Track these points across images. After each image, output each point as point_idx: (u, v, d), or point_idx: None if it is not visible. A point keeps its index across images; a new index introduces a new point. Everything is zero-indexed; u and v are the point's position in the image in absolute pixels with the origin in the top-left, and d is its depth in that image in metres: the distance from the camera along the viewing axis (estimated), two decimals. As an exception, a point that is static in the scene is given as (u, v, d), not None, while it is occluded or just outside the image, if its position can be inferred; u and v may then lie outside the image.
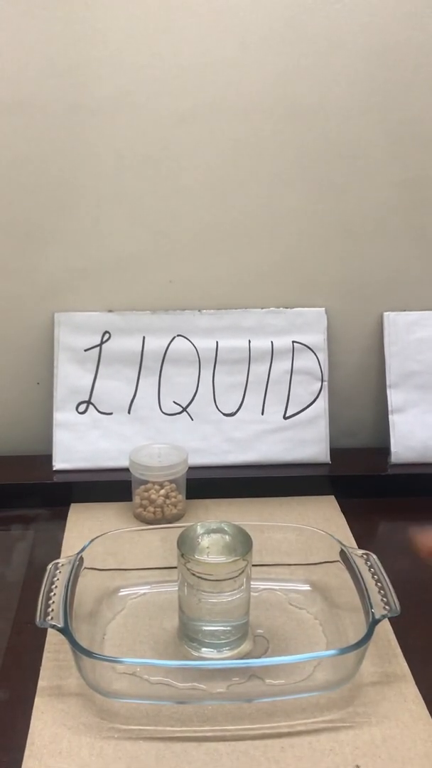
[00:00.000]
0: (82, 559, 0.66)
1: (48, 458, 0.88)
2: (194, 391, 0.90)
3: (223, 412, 0.90)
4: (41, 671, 0.61)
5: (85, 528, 0.80)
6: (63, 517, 0.82)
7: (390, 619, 0.62)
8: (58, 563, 0.65)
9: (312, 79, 0.82)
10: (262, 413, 0.90)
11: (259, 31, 0.80)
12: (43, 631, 0.63)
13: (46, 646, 0.63)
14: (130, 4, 0.78)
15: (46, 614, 0.59)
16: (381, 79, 0.83)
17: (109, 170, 0.84)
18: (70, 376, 0.89)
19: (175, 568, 0.63)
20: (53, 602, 0.60)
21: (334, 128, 0.84)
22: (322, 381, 0.91)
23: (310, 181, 0.86)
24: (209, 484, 0.86)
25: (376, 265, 0.91)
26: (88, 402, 0.89)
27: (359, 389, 0.95)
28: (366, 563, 0.65)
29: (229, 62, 0.81)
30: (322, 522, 0.80)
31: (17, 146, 0.83)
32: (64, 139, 0.83)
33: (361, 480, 0.88)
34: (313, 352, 0.90)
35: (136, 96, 0.81)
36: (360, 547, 0.73)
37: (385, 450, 0.91)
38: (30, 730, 0.55)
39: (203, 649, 0.62)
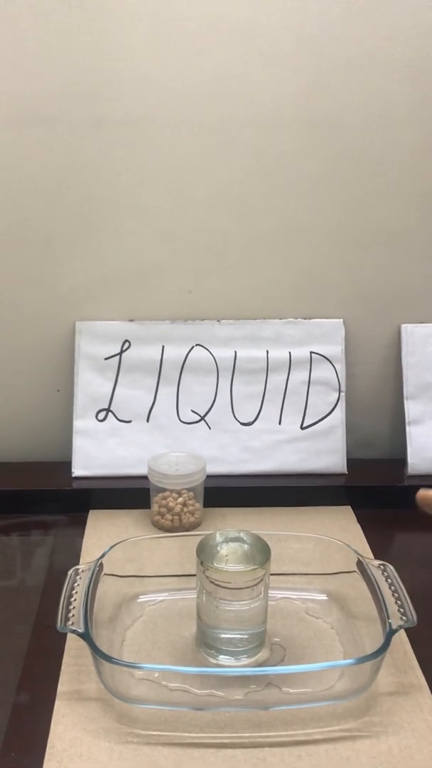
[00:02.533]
0: (102, 565, 0.67)
1: (67, 465, 0.89)
2: (212, 400, 0.91)
3: (241, 421, 0.91)
4: (61, 675, 0.61)
5: (104, 534, 0.81)
6: (82, 524, 0.83)
7: (406, 630, 0.63)
8: (78, 569, 0.66)
9: (331, 93, 0.83)
10: (280, 423, 0.91)
11: (278, 46, 0.81)
12: (63, 636, 0.64)
13: (66, 650, 0.64)
14: (151, 21, 0.79)
15: (67, 619, 0.60)
16: (400, 93, 0.83)
17: (130, 182, 0.86)
18: (91, 384, 0.90)
19: (193, 575, 0.64)
20: (74, 607, 0.61)
21: (352, 141, 0.85)
22: (339, 392, 0.91)
23: (329, 193, 0.87)
24: (226, 492, 0.87)
25: (394, 277, 0.91)
26: (108, 410, 0.90)
27: (376, 400, 0.96)
28: (383, 574, 0.66)
29: (249, 77, 0.82)
30: (338, 532, 0.80)
31: (41, 159, 0.84)
32: (87, 152, 0.84)
33: (378, 491, 0.89)
34: (330, 362, 0.91)
35: (158, 110, 0.83)
36: (376, 557, 0.73)
37: (402, 461, 0.92)
38: (50, 734, 0.56)
39: (221, 657, 0.63)
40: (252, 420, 0.91)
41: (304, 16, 0.80)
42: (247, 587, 0.60)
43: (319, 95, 0.83)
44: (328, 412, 0.91)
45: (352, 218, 0.89)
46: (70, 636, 0.64)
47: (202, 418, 0.91)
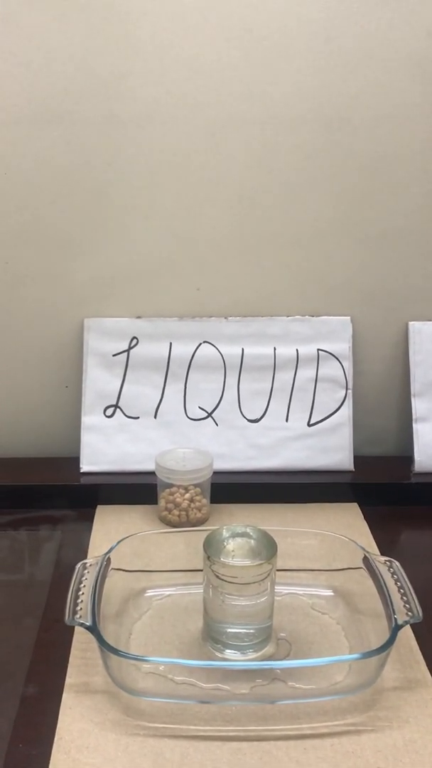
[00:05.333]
0: (109, 559, 0.67)
1: (75, 461, 0.90)
2: (219, 397, 0.91)
3: (248, 418, 0.91)
4: (69, 668, 0.62)
5: (111, 530, 0.81)
6: (89, 519, 0.84)
7: (412, 625, 0.63)
8: (86, 563, 0.66)
9: (339, 92, 0.83)
10: (287, 420, 0.91)
11: (287, 44, 0.81)
12: (71, 629, 0.65)
13: (74, 643, 0.64)
14: (164, 19, 0.80)
15: (75, 613, 0.60)
16: (409, 91, 0.84)
17: (140, 180, 0.86)
18: (99, 381, 0.90)
19: (200, 570, 0.64)
20: (81, 601, 0.61)
21: (361, 139, 0.85)
22: (346, 389, 0.91)
23: (337, 190, 0.88)
24: (233, 489, 0.87)
25: (401, 275, 0.91)
26: (116, 406, 0.91)
27: (383, 398, 0.96)
28: (389, 570, 0.66)
29: (258, 75, 0.82)
30: (344, 529, 0.81)
31: (51, 157, 0.85)
32: (96, 150, 0.85)
33: (385, 488, 0.89)
34: (338, 360, 0.91)
35: (168, 108, 0.83)
36: (382, 554, 0.73)
37: (409, 459, 0.92)
38: (58, 725, 0.56)
39: (227, 651, 0.63)
40: (259, 417, 0.91)
41: (313, 13, 0.80)
42: (254, 582, 0.61)
43: (328, 94, 0.83)
44: (335, 409, 0.91)
45: (360, 215, 0.89)
46: (77, 629, 0.65)
47: (210, 415, 0.91)
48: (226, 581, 0.61)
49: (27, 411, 0.95)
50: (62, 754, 0.54)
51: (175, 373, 0.91)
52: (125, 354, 0.91)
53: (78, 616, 0.60)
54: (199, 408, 0.91)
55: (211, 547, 0.63)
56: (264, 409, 0.91)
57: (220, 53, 0.81)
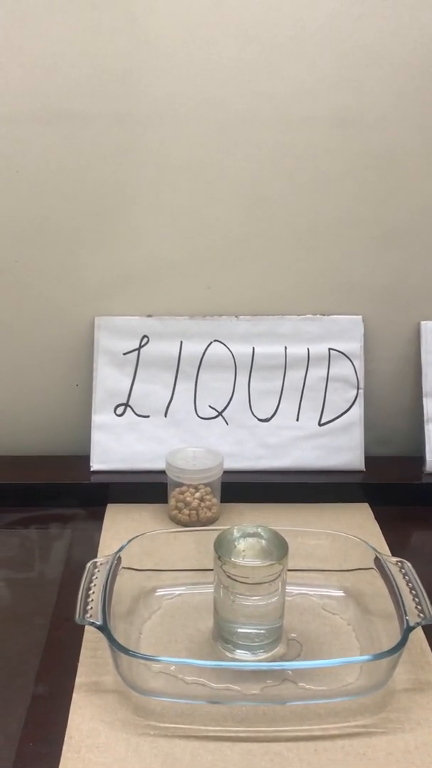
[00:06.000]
0: (120, 558, 0.67)
1: (86, 459, 0.90)
2: (230, 396, 0.91)
3: (259, 417, 0.91)
4: (79, 667, 0.62)
5: (121, 528, 0.81)
6: (99, 517, 0.84)
7: (423, 627, 0.62)
8: (96, 562, 0.66)
9: (352, 90, 0.83)
10: (297, 419, 0.91)
11: (301, 42, 0.81)
12: (81, 628, 0.65)
13: (84, 642, 0.64)
14: (174, 16, 0.80)
15: (85, 612, 0.60)
16: (422, 90, 0.83)
17: (151, 178, 0.86)
18: (109, 379, 0.90)
19: (210, 570, 0.64)
20: (92, 600, 0.61)
21: (373, 137, 0.85)
22: (357, 389, 0.91)
23: (349, 189, 0.87)
24: (243, 488, 0.87)
25: (413, 274, 0.91)
26: (126, 405, 0.90)
27: (395, 397, 0.95)
28: (400, 571, 0.66)
29: (270, 73, 0.82)
30: (355, 529, 0.80)
31: (62, 155, 0.85)
32: (108, 148, 0.84)
33: (396, 488, 0.88)
34: (349, 359, 0.91)
35: (179, 106, 0.83)
36: (394, 554, 0.73)
37: (420, 459, 0.91)
38: (68, 724, 0.56)
39: (237, 651, 0.63)
40: (270, 416, 0.91)
41: (326, 12, 0.80)
42: (265, 582, 0.61)
43: (341, 92, 0.83)
44: (346, 409, 0.91)
45: (371, 214, 0.88)
46: (87, 628, 0.65)
47: (220, 414, 0.91)
48: (237, 581, 0.61)
49: (38, 409, 0.95)
50: (72, 753, 0.54)
51: (186, 371, 0.91)
52: (136, 352, 0.91)
53: (88, 615, 0.60)
54: (210, 407, 0.91)
55: (222, 547, 0.62)
56: (274, 409, 0.91)
57: (231, 51, 0.81)
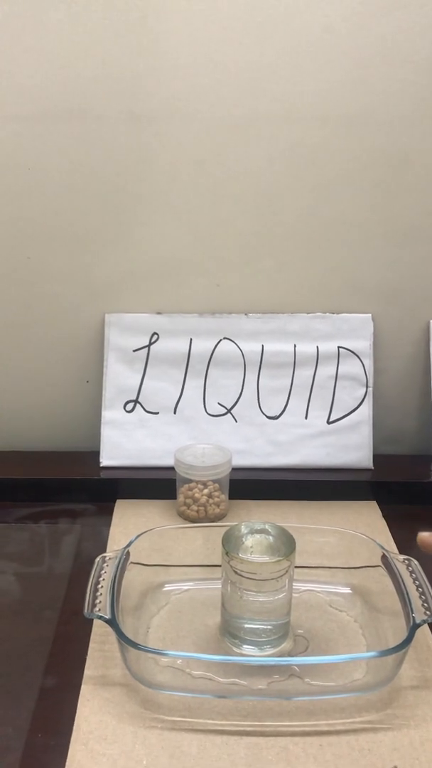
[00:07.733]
0: (128, 553, 0.67)
1: (95, 455, 0.91)
2: (239, 393, 0.91)
3: (267, 414, 0.91)
4: (87, 660, 0.62)
5: (130, 524, 0.82)
6: (109, 513, 0.84)
7: (430, 624, 0.63)
8: (105, 557, 0.67)
9: (362, 89, 0.83)
10: (306, 417, 0.91)
11: (310, 41, 0.81)
12: (90, 622, 0.65)
13: (92, 636, 0.65)
14: (184, 14, 0.80)
15: (94, 605, 0.61)
16: (433, 88, 0.83)
17: (160, 176, 0.86)
18: (119, 376, 0.91)
19: (218, 566, 0.65)
20: (101, 594, 0.62)
21: (383, 136, 0.85)
22: (366, 387, 0.91)
23: (359, 187, 0.87)
24: (251, 485, 0.87)
25: (423, 273, 0.91)
26: (136, 401, 0.91)
27: (404, 396, 0.95)
28: (407, 568, 0.66)
29: (280, 72, 0.82)
30: (363, 527, 0.81)
31: (72, 153, 0.85)
32: (118, 145, 0.85)
33: (404, 487, 0.88)
34: (358, 357, 0.91)
35: (189, 104, 0.83)
36: (401, 552, 0.73)
37: (429, 457, 0.91)
38: (76, 716, 0.57)
39: (244, 646, 0.64)
40: (278, 414, 0.91)
41: (336, 11, 0.80)
42: (272, 578, 0.61)
43: (351, 90, 0.83)
44: (354, 407, 0.91)
45: (381, 213, 0.88)
46: (96, 622, 0.65)
47: (229, 411, 0.91)
48: (244, 577, 0.61)
49: (48, 405, 0.96)
50: (80, 744, 0.55)
51: (195, 368, 0.91)
52: (146, 349, 0.91)
53: (97, 609, 0.60)
54: (219, 404, 0.91)
55: (230, 543, 0.63)
56: (283, 406, 0.91)
57: (243, 50, 0.81)
